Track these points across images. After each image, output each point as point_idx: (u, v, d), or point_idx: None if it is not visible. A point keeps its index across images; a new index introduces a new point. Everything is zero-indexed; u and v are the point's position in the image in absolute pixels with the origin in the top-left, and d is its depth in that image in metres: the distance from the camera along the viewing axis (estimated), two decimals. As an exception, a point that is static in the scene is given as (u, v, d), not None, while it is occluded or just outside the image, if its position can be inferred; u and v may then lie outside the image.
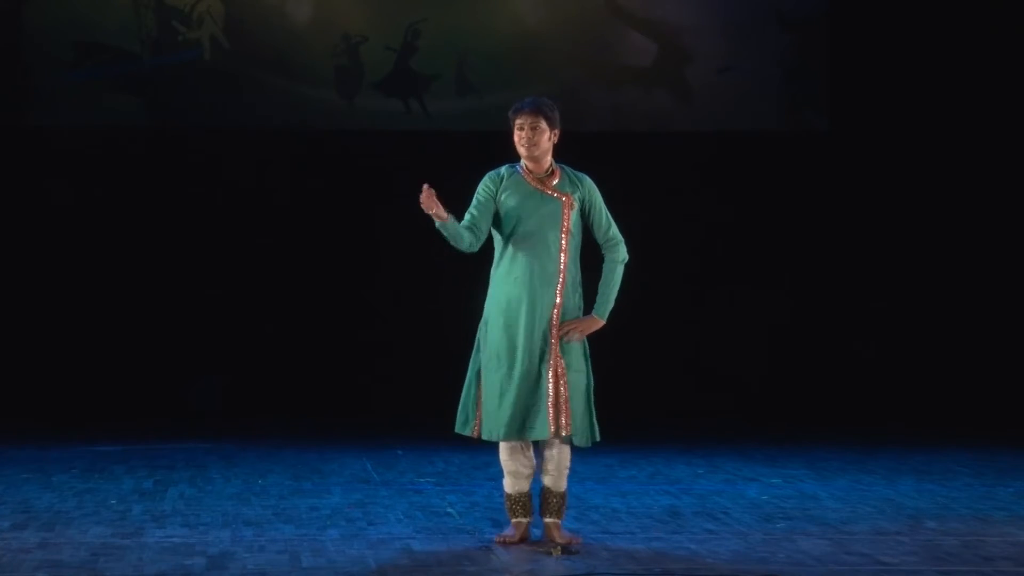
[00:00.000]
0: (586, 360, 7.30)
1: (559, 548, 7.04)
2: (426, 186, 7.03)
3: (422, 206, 7.05)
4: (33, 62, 13.21)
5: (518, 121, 7.28)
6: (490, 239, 7.36)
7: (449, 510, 8.37)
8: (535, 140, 7.25)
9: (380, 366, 13.42)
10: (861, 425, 12.90)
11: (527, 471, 7.26)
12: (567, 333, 7.19)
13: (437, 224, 7.14)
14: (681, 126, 13.77)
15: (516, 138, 7.29)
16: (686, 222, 13.68)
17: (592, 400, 7.27)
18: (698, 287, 13.79)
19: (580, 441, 7.22)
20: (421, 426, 10.86)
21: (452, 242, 7.24)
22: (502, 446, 7.26)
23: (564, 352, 7.20)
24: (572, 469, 7.30)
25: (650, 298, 13.51)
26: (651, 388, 13.49)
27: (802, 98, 13.88)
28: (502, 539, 7.30)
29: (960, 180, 13.74)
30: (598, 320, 7.29)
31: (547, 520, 7.29)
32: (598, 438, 7.30)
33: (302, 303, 13.50)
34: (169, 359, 13.30)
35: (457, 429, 7.36)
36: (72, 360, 13.14)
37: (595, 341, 7.34)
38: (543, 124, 7.26)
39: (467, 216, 7.24)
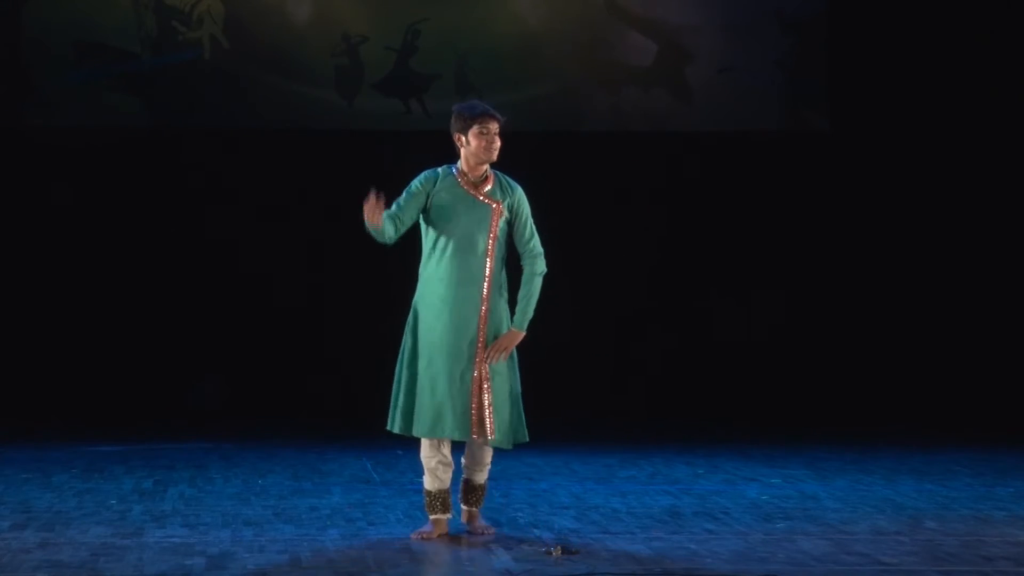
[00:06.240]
0: (512, 363, 7.39)
1: (559, 548, 7.05)
2: (378, 196, 7.12)
3: (365, 211, 7.12)
4: (33, 62, 13.20)
5: (485, 126, 7.35)
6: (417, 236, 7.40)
7: (449, 510, 8.37)
8: (498, 146, 7.38)
9: (380, 366, 13.38)
10: (861, 425, 12.90)
11: (446, 468, 7.44)
12: (493, 357, 7.27)
13: (368, 226, 7.21)
14: (681, 126, 13.75)
15: (479, 143, 7.35)
16: (686, 222, 13.67)
17: (519, 403, 7.39)
18: (697, 287, 13.77)
19: (503, 444, 7.35)
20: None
21: (375, 237, 7.31)
22: (423, 443, 7.44)
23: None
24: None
25: (649, 298, 13.55)
26: (651, 388, 13.49)
27: (802, 98, 13.87)
28: (419, 535, 7.41)
29: (960, 180, 13.74)
30: (518, 333, 7.38)
31: (467, 508, 7.56)
32: (526, 439, 7.44)
33: (302, 303, 13.48)
34: (169, 359, 13.29)
35: (388, 426, 7.55)
36: (72, 360, 13.13)
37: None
38: (498, 131, 7.39)
39: (392, 206, 7.33)
